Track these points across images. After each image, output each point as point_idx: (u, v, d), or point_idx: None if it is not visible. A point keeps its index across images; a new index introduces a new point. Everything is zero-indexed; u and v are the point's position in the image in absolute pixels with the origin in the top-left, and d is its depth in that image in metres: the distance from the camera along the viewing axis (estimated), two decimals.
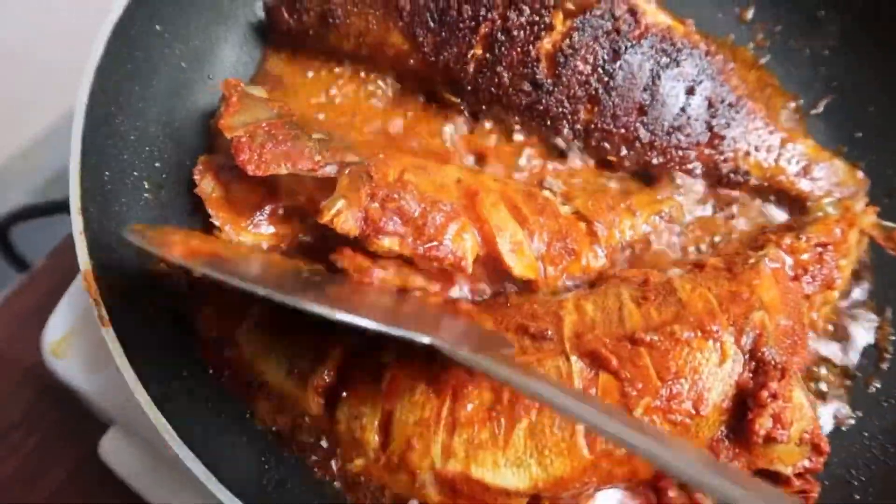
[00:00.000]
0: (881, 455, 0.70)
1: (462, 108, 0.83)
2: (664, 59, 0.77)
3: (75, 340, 0.81)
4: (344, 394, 0.66)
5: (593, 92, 0.77)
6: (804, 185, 0.81)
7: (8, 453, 0.95)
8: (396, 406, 0.64)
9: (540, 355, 0.64)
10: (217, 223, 0.70)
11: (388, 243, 0.64)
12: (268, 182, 0.69)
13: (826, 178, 0.82)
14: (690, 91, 0.78)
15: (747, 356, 0.62)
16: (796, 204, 0.82)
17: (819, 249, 0.71)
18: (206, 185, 0.72)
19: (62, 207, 1.15)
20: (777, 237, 0.72)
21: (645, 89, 0.77)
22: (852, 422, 0.73)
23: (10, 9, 1.46)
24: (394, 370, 0.66)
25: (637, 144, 0.79)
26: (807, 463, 0.60)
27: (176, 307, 0.69)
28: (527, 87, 0.77)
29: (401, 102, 0.85)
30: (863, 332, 0.77)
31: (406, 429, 0.63)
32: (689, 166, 0.80)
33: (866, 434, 0.72)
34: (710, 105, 0.79)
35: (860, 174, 0.83)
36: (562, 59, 0.75)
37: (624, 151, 0.80)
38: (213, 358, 0.68)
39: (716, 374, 0.61)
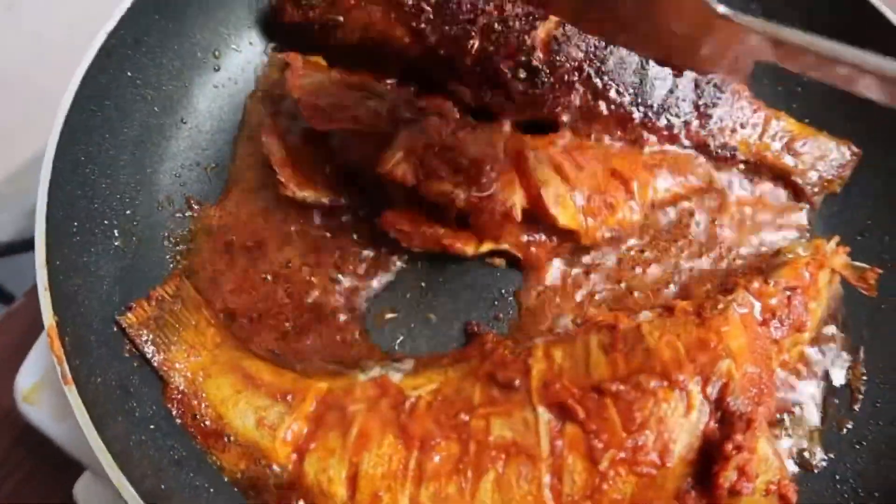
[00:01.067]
0: (852, 499, 0.70)
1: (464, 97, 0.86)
2: None
3: (47, 387, 0.80)
4: (312, 445, 0.65)
5: (586, 76, 0.81)
6: (788, 160, 0.86)
7: None
8: (364, 458, 0.64)
9: (508, 406, 0.64)
10: (282, 180, 0.78)
11: (442, 188, 0.71)
12: (326, 144, 0.80)
13: (811, 152, 0.86)
14: (678, 73, 0.84)
15: (713, 406, 0.62)
16: (785, 182, 0.87)
17: (788, 293, 0.71)
18: (272, 146, 0.80)
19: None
20: (746, 281, 0.72)
21: (635, 72, 0.82)
22: (824, 464, 0.72)
23: (3, 34, 1.47)
24: (362, 421, 0.66)
25: (630, 125, 0.84)
26: None
27: (143, 357, 0.69)
28: (523, 74, 0.81)
29: None
30: (835, 373, 0.77)
31: (374, 481, 0.63)
32: (682, 143, 0.86)
33: (838, 477, 0.72)
34: (697, 86, 0.85)
35: (847, 148, 0.86)
36: (556, 47, 0.80)
37: (618, 132, 0.84)
38: (179, 408, 0.68)
39: (682, 425, 0.61)
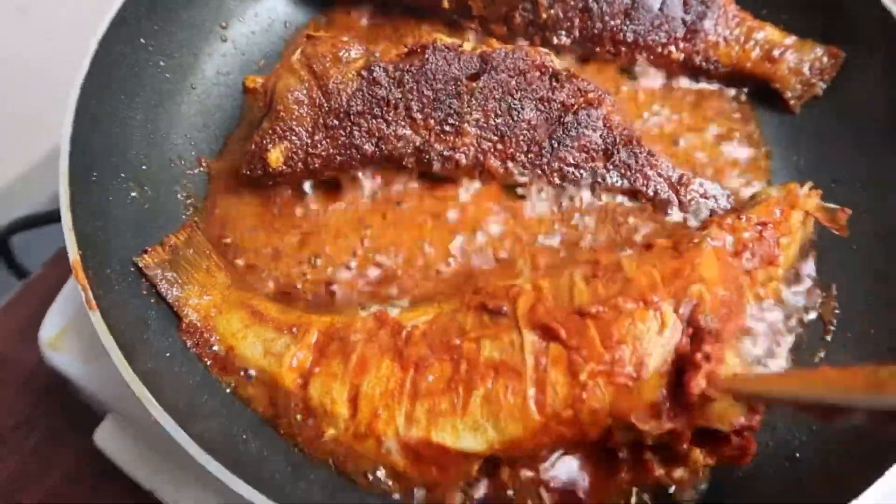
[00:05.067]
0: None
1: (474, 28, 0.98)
2: None
3: (71, 334, 0.86)
4: (316, 370, 0.71)
5: (583, 2, 0.92)
6: (766, 67, 0.94)
7: (8, 453, 0.99)
8: (364, 380, 0.69)
9: (496, 330, 0.69)
10: None
11: None
12: None
13: (790, 59, 0.94)
14: None
15: (685, 324, 0.66)
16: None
17: (759, 228, 0.76)
18: None
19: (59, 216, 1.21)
20: (720, 219, 0.77)
21: None
22: None
23: (17, 34, 1.54)
24: (362, 348, 0.71)
25: (624, 44, 0.94)
26: (743, 421, 0.65)
27: (158, 295, 0.74)
28: (528, 5, 0.93)
29: None
30: (809, 307, 0.82)
31: (373, 400, 0.68)
32: (671, 58, 0.95)
33: None
34: (685, 3, 0.93)
35: (829, 51, 0.92)
36: None
37: (613, 51, 0.95)
38: (193, 340, 0.73)
39: (656, 341, 0.66)
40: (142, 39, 0.85)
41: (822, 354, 0.79)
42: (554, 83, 0.85)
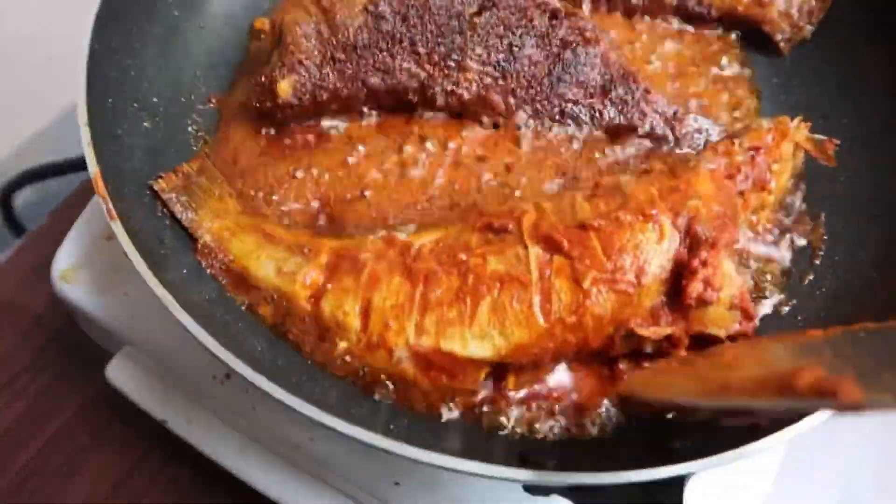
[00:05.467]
0: None
1: None
2: None
3: (83, 267, 0.88)
4: (329, 286, 0.73)
5: None
6: (756, 11, 0.97)
7: (16, 396, 1.01)
8: (375, 294, 0.72)
9: (502, 245, 0.72)
10: None
11: None
12: None
13: (778, 2, 0.97)
14: None
15: (683, 235, 0.70)
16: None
17: (752, 153, 0.79)
18: None
19: (61, 169, 1.23)
20: (714, 144, 0.80)
21: None
22: (788, 308, 0.81)
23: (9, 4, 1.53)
24: (372, 266, 0.74)
25: None
26: (738, 327, 0.68)
27: (173, 217, 0.77)
28: None
29: None
30: (798, 234, 0.85)
31: (384, 312, 0.71)
32: (665, 2, 0.98)
33: (800, 318, 0.79)
34: None
35: None
36: None
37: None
38: (208, 261, 0.76)
39: (655, 250, 0.69)
40: None
41: (811, 277, 0.83)
42: (553, 20, 0.88)
